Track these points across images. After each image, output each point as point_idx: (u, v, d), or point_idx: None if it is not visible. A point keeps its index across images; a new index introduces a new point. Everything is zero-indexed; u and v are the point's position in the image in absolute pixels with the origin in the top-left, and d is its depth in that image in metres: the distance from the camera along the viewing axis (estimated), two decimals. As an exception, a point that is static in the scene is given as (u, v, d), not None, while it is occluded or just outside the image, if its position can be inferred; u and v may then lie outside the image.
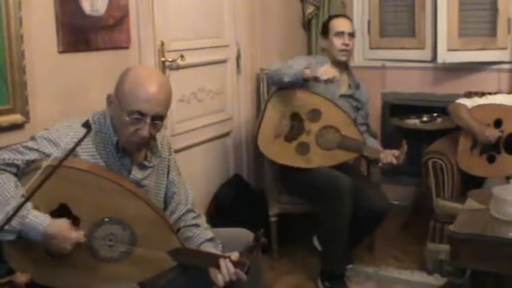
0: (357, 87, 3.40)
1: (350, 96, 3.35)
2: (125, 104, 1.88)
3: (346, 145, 3.16)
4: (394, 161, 3.03)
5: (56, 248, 1.82)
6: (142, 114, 1.88)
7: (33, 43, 2.38)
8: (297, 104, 3.19)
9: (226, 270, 1.91)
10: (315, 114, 3.18)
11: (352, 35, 3.32)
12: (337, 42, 3.28)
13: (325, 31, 3.38)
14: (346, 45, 3.28)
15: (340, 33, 3.28)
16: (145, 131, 1.89)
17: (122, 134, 1.94)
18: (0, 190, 1.79)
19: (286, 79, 3.03)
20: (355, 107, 3.36)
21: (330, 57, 3.34)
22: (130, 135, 1.91)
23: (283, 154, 3.20)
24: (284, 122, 3.18)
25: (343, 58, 3.31)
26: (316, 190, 3.09)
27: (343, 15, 3.57)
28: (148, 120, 1.88)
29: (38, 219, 1.79)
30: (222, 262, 1.92)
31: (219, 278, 1.94)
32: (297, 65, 3.06)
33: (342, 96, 3.29)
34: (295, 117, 3.20)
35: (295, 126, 3.18)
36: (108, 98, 1.96)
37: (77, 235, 1.83)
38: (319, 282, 3.11)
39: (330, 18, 3.49)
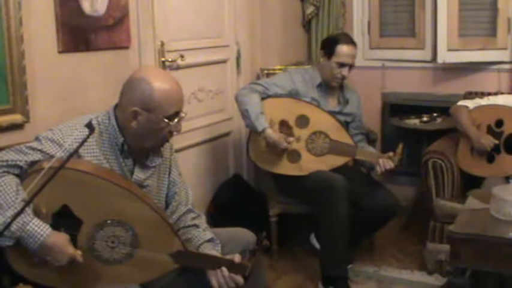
0: (346, 102, 3.36)
1: (338, 112, 3.31)
2: (162, 111, 1.94)
3: (337, 149, 3.14)
4: (392, 166, 3.02)
5: (51, 260, 1.81)
6: (178, 113, 1.98)
7: (33, 43, 2.39)
8: (284, 111, 3.19)
9: (221, 276, 1.94)
10: (303, 121, 3.18)
11: (352, 66, 3.26)
12: (336, 71, 3.22)
13: (328, 50, 3.24)
14: (344, 77, 3.24)
15: (343, 65, 3.21)
16: (179, 127, 2.01)
17: (153, 139, 1.99)
18: (1, 194, 1.78)
19: (247, 122, 3.15)
20: (344, 122, 3.31)
21: (322, 75, 3.30)
22: (165, 136, 2.00)
23: (276, 163, 3.20)
24: (274, 130, 3.15)
25: (335, 85, 3.29)
26: (311, 193, 3.08)
27: (352, 41, 3.29)
28: (182, 115, 2.00)
29: (38, 228, 1.78)
30: (218, 269, 1.95)
31: (214, 282, 1.96)
32: (255, 109, 3.08)
33: (330, 112, 3.23)
34: (284, 124, 3.20)
35: (284, 133, 3.16)
36: (135, 112, 1.94)
37: (73, 252, 1.82)
38: (321, 286, 3.08)
39: (339, 40, 3.26)
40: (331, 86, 3.32)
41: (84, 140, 1.74)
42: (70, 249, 1.82)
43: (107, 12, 2.70)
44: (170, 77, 2.04)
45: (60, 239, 1.81)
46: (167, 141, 2.07)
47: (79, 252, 1.84)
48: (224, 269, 1.94)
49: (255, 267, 1.98)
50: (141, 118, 1.94)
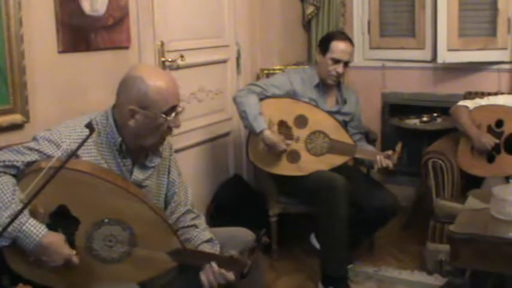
0: (344, 102, 3.36)
1: (336, 112, 3.31)
2: (158, 107, 1.94)
3: (337, 149, 3.14)
4: (390, 164, 3.02)
5: (46, 260, 1.81)
6: (174, 107, 1.97)
7: (33, 43, 2.39)
8: (283, 112, 3.19)
9: (211, 272, 1.92)
10: (302, 121, 3.18)
11: (348, 63, 3.26)
12: (331, 67, 3.22)
13: (324, 47, 3.26)
14: (339, 73, 3.24)
15: (337, 61, 3.21)
16: (177, 122, 2.00)
17: (152, 137, 1.98)
18: None
19: (245, 124, 3.17)
20: (343, 121, 3.30)
21: (318, 73, 3.30)
22: (163, 133, 1.99)
23: (275, 163, 3.20)
24: (272, 130, 3.15)
25: (331, 82, 3.28)
26: (311, 193, 3.08)
27: (347, 38, 3.30)
28: (179, 109, 1.99)
29: (34, 229, 1.79)
30: (207, 265, 1.94)
31: (203, 278, 1.94)
32: (253, 110, 3.09)
33: (328, 112, 3.23)
34: (283, 124, 3.20)
35: (283, 134, 3.17)
36: (132, 111, 1.94)
37: (69, 252, 1.83)
38: (321, 286, 3.08)
39: (334, 37, 3.29)
40: (329, 85, 3.32)
41: (85, 140, 1.74)
42: (66, 250, 1.82)
43: (106, 12, 2.70)
44: (164, 73, 2.06)
45: (56, 240, 1.81)
46: (165, 138, 2.06)
47: (75, 253, 1.84)
48: (214, 264, 1.93)
49: (254, 266, 1.97)
50: (138, 116, 1.94)
